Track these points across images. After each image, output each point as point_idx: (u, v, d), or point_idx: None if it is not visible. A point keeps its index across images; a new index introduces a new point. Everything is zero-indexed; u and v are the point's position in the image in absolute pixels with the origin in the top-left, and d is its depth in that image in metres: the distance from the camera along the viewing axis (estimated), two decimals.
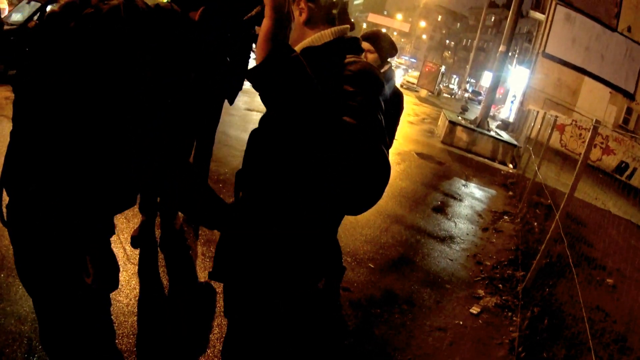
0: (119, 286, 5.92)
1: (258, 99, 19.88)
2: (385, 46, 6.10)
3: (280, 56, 1.98)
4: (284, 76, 1.96)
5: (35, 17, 15.27)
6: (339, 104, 2.07)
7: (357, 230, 9.81)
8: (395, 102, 6.27)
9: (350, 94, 2.20)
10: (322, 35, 2.61)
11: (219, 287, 6.33)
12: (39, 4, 15.74)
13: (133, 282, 6.16)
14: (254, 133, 2.91)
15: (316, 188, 2.24)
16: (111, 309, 5.45)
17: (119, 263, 6.18)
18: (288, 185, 2.60)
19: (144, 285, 6.15)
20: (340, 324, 6.56)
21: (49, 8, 15.46)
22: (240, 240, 2.89)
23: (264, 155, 2.74)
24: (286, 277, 2.79)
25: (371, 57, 6.07)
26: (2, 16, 16.43)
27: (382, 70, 5.32)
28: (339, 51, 2.57)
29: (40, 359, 4.57)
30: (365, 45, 6.05)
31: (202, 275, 6.63)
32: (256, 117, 17.58)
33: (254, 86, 2.05)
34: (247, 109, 18.19)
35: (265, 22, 2.02)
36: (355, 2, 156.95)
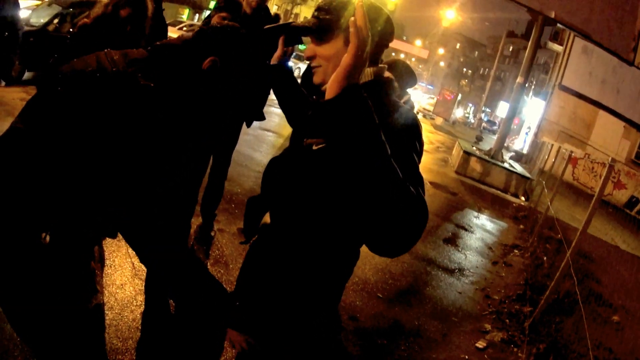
0: (126, 301, 5.99)
1: (273, 119, 19.73)
2: (403, 75, 6.11)
3: (354, 97, 2.02)
4: (352, 115, 2.00)
5: (55, 21, 15.42)
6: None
7: (367, 259, 9.80)
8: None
9: (394, 139, 2.25)
10: (364, 74, 2.64)
11: None
12: (59, 8, 15.86)
13: (140, 298, 6.21)
14: (276, 162, 2.97)
15: (353, 227, 2.30)
16: (116, 323, 5.50)
17: (127, 278, 6.24)
18: (321, 220, 2.68)
19: (150, 302, 6.08)
20: (346, 353, 6.59)
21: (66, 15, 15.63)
22: (266, 265, 2.98)
23: (296, 186, 2.79)
24: (307, 303, 2.88)
25: None
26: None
27: (402, 101, 5.37)
28: (378, 91, 2.62)
29: None
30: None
31: None
32: (271, 137, 17.87)
33: (319, 118, 2.09)
34: (262, 128, 18.22)
35: (347, 59, 2.03)
36: None
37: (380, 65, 2.79)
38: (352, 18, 2.07)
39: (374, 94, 2.41)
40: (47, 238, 2.90)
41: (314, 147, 2.68)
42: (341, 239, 2.72)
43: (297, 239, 2.81)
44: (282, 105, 3.81)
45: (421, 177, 2.39)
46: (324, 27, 2.64)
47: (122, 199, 2.86)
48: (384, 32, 2.72)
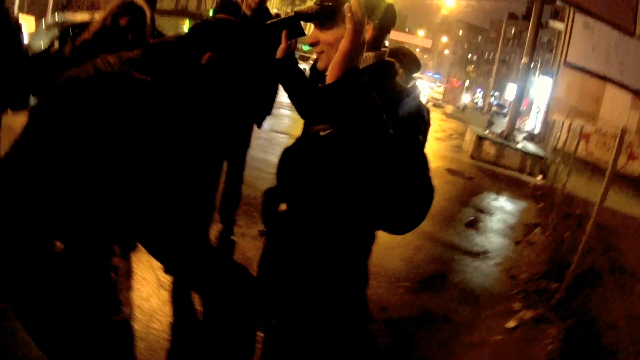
0: (153, 313, 6.00)
1: (284, 120, 19.72)
2: (407, 61, 6.14)
3: (353, 80, 2.07)
4: (353, 98, 2.04)
5: (56, 44, 15.34)
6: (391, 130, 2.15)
7: (391, 249, 9.81)
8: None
9: (398, 120, 2.31)
10: (365, 58, 2.72)
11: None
12: (57, 30, 15.70)
13: (166, 309, 6.19)
14: (288, 151, 2.99)
15: (361, 207, 2.32)
16: (144, 336, 5.51)
17: (152, 289, 6.25)
18: (333, 203, 2.69)
19: (178, 312, 6.19)
20: (377, 344, 6.59)
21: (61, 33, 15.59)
22: (284, 251, 3.01)
23: (307, 173, 2.83)
24: (328, 285, 2.88)
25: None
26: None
27: (407, 86, 5.41)
28: (380, 75, 2.66)
29: None
30: None
31: None
32: (283, 139, 17.77)
33: (321, 103, 2.12)
34: (273, 130, 18.21)
35: (345, 44, 2.08)
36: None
37: (382, 49, 2.83)
38: (348, 3, 2.11)
39: (376, 78, 2.47)
40: (60, 245, 2.92)
41: (321, 134, 2.71)
42: (354, 221, 2.73)
43: (311, 223, 2.83)
44: (292, 97, 3.83)
45: (425, 158, 2.41)
46: (326, 13, 2.66)
47: (119, 200, 2.86)
48: (385, 18, 2.76)
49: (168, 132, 2.88)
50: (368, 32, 2.61)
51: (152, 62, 2.92)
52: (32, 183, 2.78)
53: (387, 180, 2.07)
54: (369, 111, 2.07)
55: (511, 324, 7.91)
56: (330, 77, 2.11)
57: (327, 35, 2.70)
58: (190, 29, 3.09)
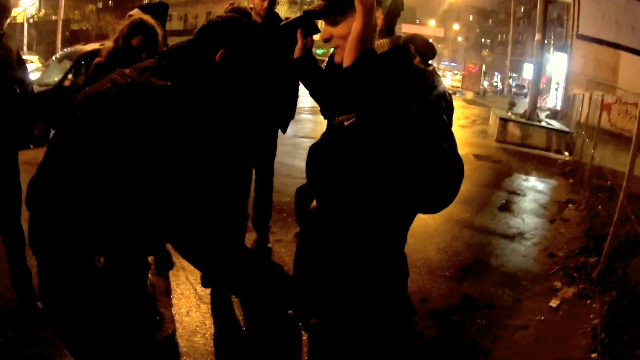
0: (194, 327, 6.05)
1: (307, 125, 19.71)
2: (421, 48, 6.15)
3: (370, 59, 2.09)
4: (372, 78, 2.05)
5: (70, 76, 15.35)
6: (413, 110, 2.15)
7: (427, 240, 9.92)
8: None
9: (420, 102, 2.31)
10: (381, 45, 2.72)
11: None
12: (70, 63, 15.74)
13: (207, 322, 6.22)
14: (316, 147, 3.00)
15: (395, 190, 2.32)
16: (187, 351, 5.54)
17: (191, 304, 6.27)
18: (364, 190, 2.68)
19: (219, 324, 6.23)
20: (422, 335, 6.60)
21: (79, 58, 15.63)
22: (320, 249, 3.00)
23: (336, 165, 2.84)
24: (370, 282, 2.89)
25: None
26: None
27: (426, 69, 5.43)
28: (397, 59, 2.66)
29: None
30: None
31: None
32: (308, 143, 17.31)
33: (342, 88, 2.13)
34: (297, 136, 18.22)
35: (357, 26, 2.11)
36: None
37: (395, 35, 2.82)
38: None
39: (394, 62, 2.46)
40: (102, 260, 2.92)
41: (345, 123, 2.69)
42: (386, 206, 2.72)
43: (345, 216, 2.83)
44: (314, 95, 3.85)
45: (452, 135, 2.43)
46: (334, 7, 2.67)
47: (152, 211, 2.86)
48: (394, 3, 2.76)
49: (195, 137, 2.88)
50: (379, 19, 2.61)
51: (169, 67, 2.92)
52: (63, 201, 2.80)
53: (416, 158, 2.08)
54: (389, 89, 2.09)
55: (554, 302, 7.90)
56: (347, 61, 2.15)
57: (339, 29, 2.70)
58: (198, 31, 3.09)
